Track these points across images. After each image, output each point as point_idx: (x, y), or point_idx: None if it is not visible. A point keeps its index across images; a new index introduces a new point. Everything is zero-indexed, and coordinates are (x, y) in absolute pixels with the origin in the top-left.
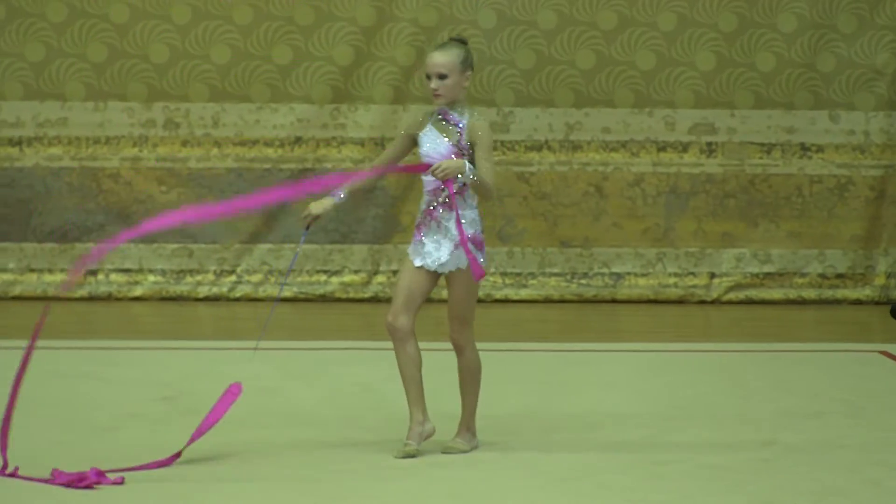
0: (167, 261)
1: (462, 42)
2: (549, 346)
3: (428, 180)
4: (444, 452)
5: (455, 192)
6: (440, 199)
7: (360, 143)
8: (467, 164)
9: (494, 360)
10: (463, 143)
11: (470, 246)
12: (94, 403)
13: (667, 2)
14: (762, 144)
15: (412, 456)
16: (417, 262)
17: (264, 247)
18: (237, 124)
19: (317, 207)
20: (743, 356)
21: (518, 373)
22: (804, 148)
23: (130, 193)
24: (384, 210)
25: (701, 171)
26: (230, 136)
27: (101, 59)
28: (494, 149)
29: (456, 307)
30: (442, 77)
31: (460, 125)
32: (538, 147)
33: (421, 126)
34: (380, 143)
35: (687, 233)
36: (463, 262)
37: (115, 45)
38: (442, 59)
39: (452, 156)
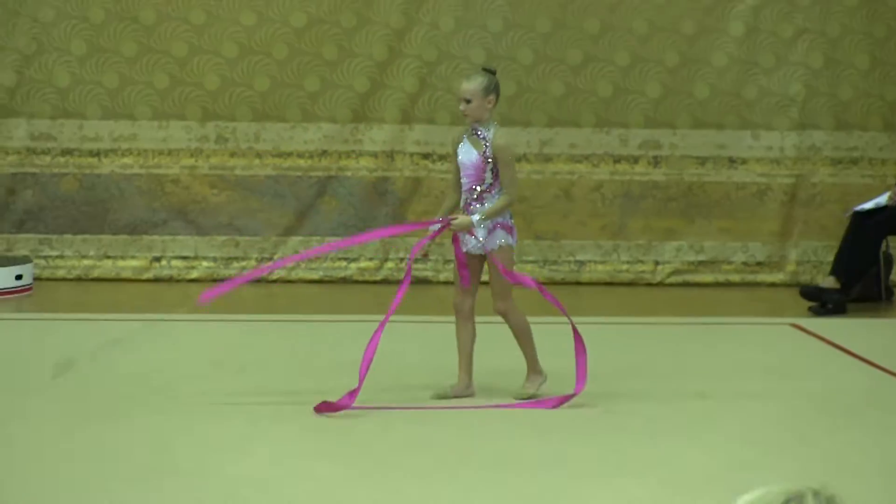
0: (218, 249)
1: (489, 72)
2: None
3: (463, 182)
4: (515, 398)
5: (484, 191)
6: (473, 196)
7: (374, 155)
8: (473, 218)
9: (485, 331)
10: (488, 153)
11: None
12: (157, 366)
13: (622, 42)
14: (698, 158)
15: (442, 398)
16: (463, 248)
17: (296, 238)
18: (275, 140)
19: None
20: (681, 328)
21: (501, 341)
22: (732, 161)
23: (188, 195)
24: (393, 209)
25: (649, 179)
26: (269, 149)
27: (165, 86)
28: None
29: (496, 283)
30: (467, 101)
31: (486, 139)
32: (518, 159)
33: (458, 141)
34: (390, 155)
35: (637, 228)
36: (496, 243)
37: (176, 75)
38: (466, 86)
39: (482, 164)
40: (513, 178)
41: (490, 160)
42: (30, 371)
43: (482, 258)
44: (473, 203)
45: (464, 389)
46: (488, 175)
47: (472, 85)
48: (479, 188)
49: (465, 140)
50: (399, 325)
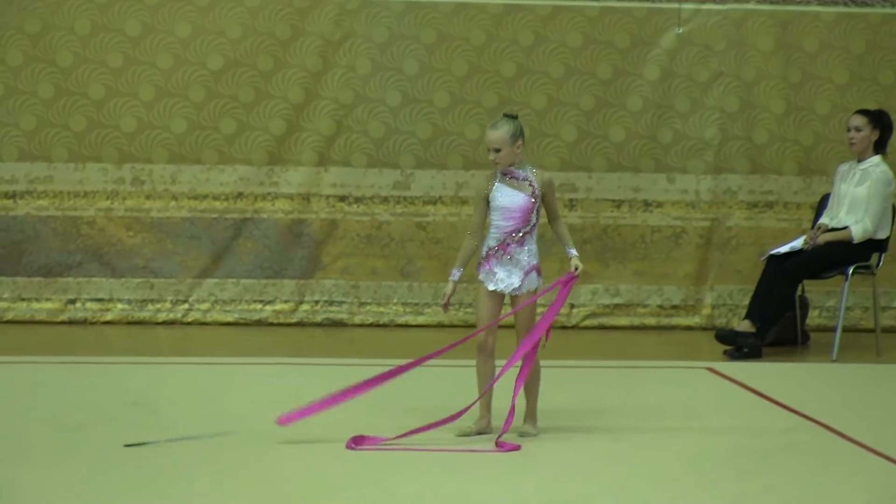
0: (133, 292)
1: (512, 117)
2: (442, 363)
3: (502, 225)
4: (519, 435)
5: (527, 232)
6: (515, 238)
7: (290, 197)
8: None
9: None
10: (537, 192)
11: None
12: (74, 408)
13: (539, 85)
14: (614, 200)
15: (466, 435)
16: (491, 287)
17: (211, 281)
18: (191, 182)
19: (447, 290)
20: (597, 371)
21: (418, 382)
22: (647, 204)
23: (103, 237)
24: (309, 251)
25: (564, 221)
26: (185, 192)
27: (82, 129)
28: (398, 202)
29: (525, 323)
30: (497, 150)
31: (529, 179)
32: (433, 201)
33: (489, 187)
34: (306, 197)
35: (552, 271)
36: (532, 286)
37: (93, 117)
38: (494, 136)
39: (529, 204)
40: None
41: (538, 199)
42: None
43: (502, 297)
44: (513, 245)
45: (485, 426)
46: (534, 216)
47: (499, 133)
48: (523, 230)
49: (501, 184)
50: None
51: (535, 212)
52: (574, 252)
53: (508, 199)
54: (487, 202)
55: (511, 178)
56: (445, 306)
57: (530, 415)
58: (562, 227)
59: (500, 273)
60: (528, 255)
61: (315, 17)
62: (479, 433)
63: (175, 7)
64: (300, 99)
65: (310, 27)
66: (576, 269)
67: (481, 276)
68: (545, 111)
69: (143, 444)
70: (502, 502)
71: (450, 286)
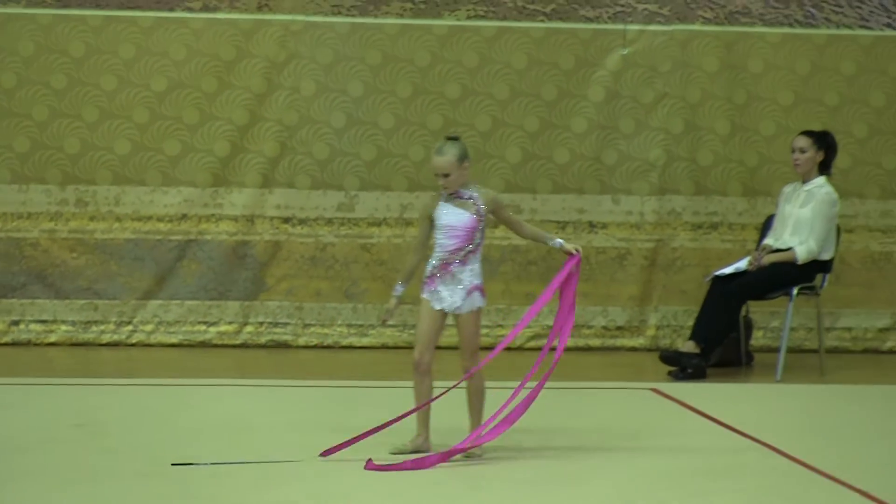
0: (77, 313)
1: (455, 139)
2: (385, 384)
3: (446, 244)
4: (464, 456)
5: (471, 251)
6: (458, 257)
7: (235, 219)
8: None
9: (344, 394)
10: (481, 211)
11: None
12: (18, 429)
13: (483, 106)
14: (558, 222)
15: (400, 452)
16: (437, 306)
17: (155, 302)
18: (135, 203)
19: (390, 305)
20: (542, 392)
21: (360, 403)
22: (592, 225)
23: (47, 259)
24: (253, 273)
25: (509, 243)
26: (129, 213)
27: (25, 150)
28: (343, 224)
29: (468, 341)
30: (446, 175)
31: (474, 198)
32: (378, 223)
33: (434, 206)
34: (250, 219)
35: (497, 292)
36: (474, 305)
37: (37, 138)
38: (441, 162)
39: (473, 223)
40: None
41: (483, 218)
42: None
43: (444, 316)
44: (456, 263)
45: (422, 443)
46: (478, 235)
47: (446, 158)
48: (466, 249)
49: (447, 204)
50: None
51: (478, 231)
52: (559, 241)
53: (453, 217)
54: (431, 221)
55: (456, 197)
56: (385, 321)
57: (425, 425)
58: (530, 228)
59: (444, 292)
60: (470, 274)
61: (259, 39)
62: (414, 451)
63: (119, 28)
64: (244, 120)
65: (254, 49)
66: (576, 250)
67: (425, 294)
68: (490, 133)
69: (190, 464)
70: None
71: (392, 301)
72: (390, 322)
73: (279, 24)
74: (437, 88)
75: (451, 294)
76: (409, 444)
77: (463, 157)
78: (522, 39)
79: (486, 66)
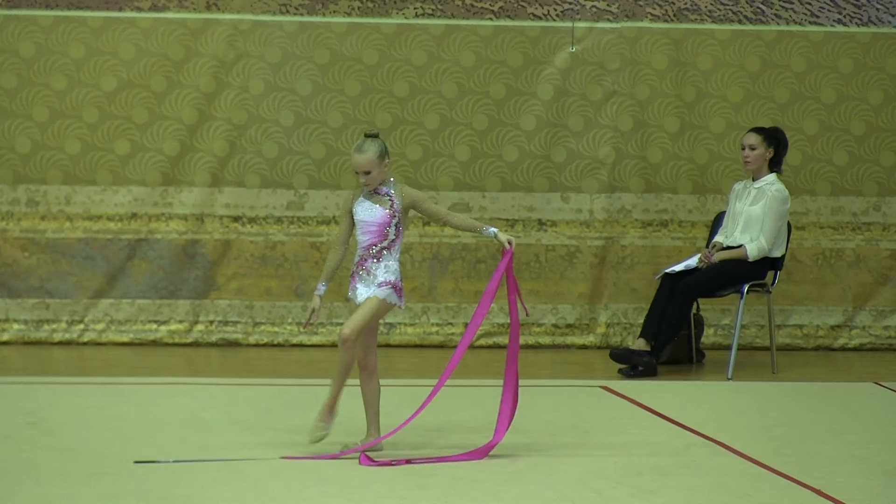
0: (29, 312)
1: (374, 136)
2: (352, 382)
3: (362, 240)
4: (311, 442)
5: (385, 248)
6: (372, 253)
7: (184, 218)
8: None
9: (293, 392)
10: (396, 207)
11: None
12: None
13: (432, 105)
14: (507, 220)
15: (351, 449)
16: (357, 302)
17: (107, 301)
18: (85, 203)
19: (313, 305)
20: (491, 390)
21: (311, 402)
22: (541, 223)
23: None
24: (203, 272)
25: (458, 241)
26: (80, 212)
27: None
28: (292, 222)
29: (358, 313)
30: (367, 172)
31: (390, 194)
32: (327, 221)
33: (353, 201)
34: (200, 217)
35: (447, 291)
36: (381, 295)
37: None
38: (362, 160)
39: (386, 219)
40: (438, 205)
41: (397, 215)
42: None
43: None
44: (371, 259)
45: (374, 440)
46: (391, 231)
47: (367, 156)
48: (380, 245)
49: (364, 199)
50: (212, 388)
51: (392, 226)
52: (493, 229)
53: (367, 213)
54: (352, 217)
55: (374, 193)
56: (307, 324)
57: (331, 407)
58: (459, 218)
59: (360, 288)
60: (384, 270)
61: (208, 38)
62: (368, 448)
63: (68, 28)
64: (194, 120)
65: (203, 48)
66: (508, 242)
67: (349, 294)
68: (438, 131)
69: (153, 462)
70: None
71: (315, 300)
72: (316, 321)
73: (228, 23)
74: (385, 87)
75: (367, 289)
76: (359, 443)
77: (383, 155)
78: (470, 37)
79: (435, 64)
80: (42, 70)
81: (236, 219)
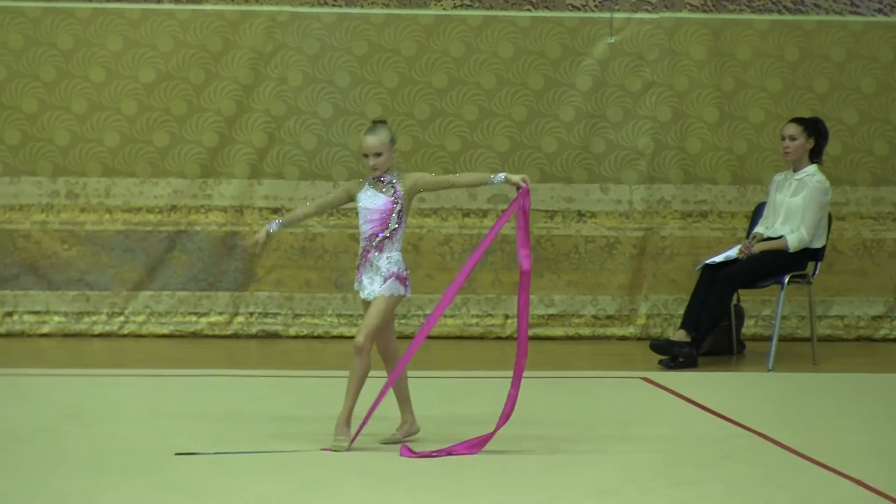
0: (69, 304)
1: (384, 122)
2: (373, 374)
3: (364, 230)
4: (325, 448)
5: (387, 237)
6: (374, 244)
7: (224, 210)
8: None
9: (333, 384)
10: (399, 193)
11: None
12: (10, 419)
13: (470, 96)
14: (546, 211)
15: (391, 442)
16: (361, 295)
17: (146, 293)
18: (125, 195)
19: (259, 236)
20: (532, 381)
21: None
22: (580, 214)
23: (39, 250)
24: (243, 264)
25: (499, 233)
26: (119, 205)
27: (16, 143)
28: (331, 214)
29: (367, 319)
30: (378, 155)
31: (393, 182)
32: None
33: (360, 188)
34: (239, 209)
35: (487, 282)
36: (387, 292)
37: (27, 130)
38: (375, 141)
39: (388, 206)
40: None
41: (399, 202)
42: None
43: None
44: (373, 251)
45: (409, 428)
46: (393, 220)
47: (380, 138)
48: (382, 234)
49: (369, 187)
50: (251, 380)
51: (395, 215)
52: (501, 175)
53: (369, 200)
54: (347, 197)
55: (377, 181)
56: (249, 247)
57: (345, 419)
58: (463, 176)
59: (365, 280)
60: (387, 262)
61: (246, 30)
62: (407, 436)
63: (107, 21)
64: (232, 111)
65: (241, 40)
66: (523, 180)
67: (355, 286)
68: (477, 122)
69: (193, 454)
70: None
71: (262, 233)
72: (257, 250)
73: (266, 14)
74: (423, 78)
75: (371, 282)
76: (399, 433)
77: (393, 140)
78: (509, 28)
79: (473, 55)
80: (80, 62)
81: (275, 210)
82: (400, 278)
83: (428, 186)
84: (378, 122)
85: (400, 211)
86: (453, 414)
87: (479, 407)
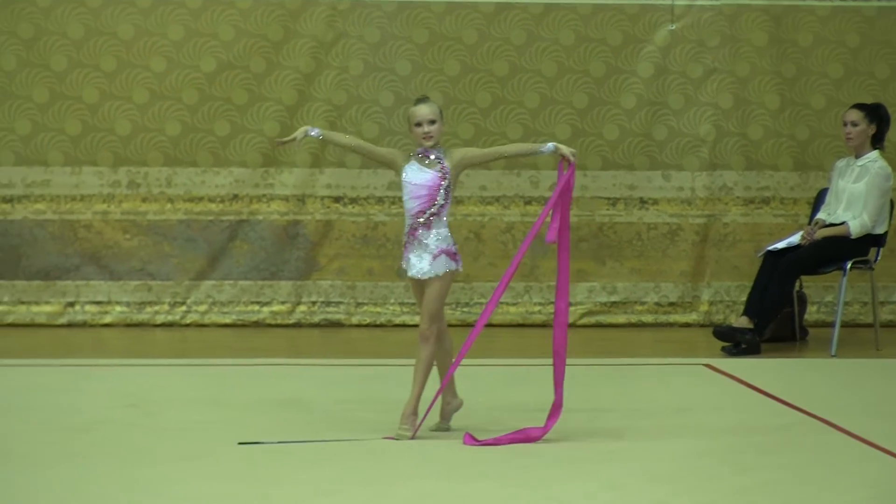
0: (131, 294)
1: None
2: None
3: (411, 206)
4: (388, 437)
5: (434, 214)
6: (421, 221)
7: (285, 199)
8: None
9: (396, 372)
10: (446, 168)
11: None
12: (74, 410)
13: (532, 84)
14: (609, 199)
15: (442, 429)
16: (408, 273)
17: (209, 282)
18: (186, 184)
19: (297, 134)
20: (594, 369)
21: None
22: (642, 201)
23: (101, 241)
24: (305, 252)
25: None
26: (181, 194)
27: (77, 133)
28: (393, 202)
29: (426, 305)
30: (432, 122)
31: (440, 157)
32: None
33: (406, 161)
34: (301, 198)
35: (549, 270)
36: (440, 270)
37: (88, 121)
38: (430, 109)
39: (436, 182)
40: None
41: (447, 177)
42: None
43: (422, 282)
44: (421, 228)
45: (453, 405)
46: (441, 195)
47: (434, 108)
48: (429, 211)
49: (414, 162)
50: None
51: (442, 190)
52: (550, 145)
53: (416, 175)
54: (390, 162)
55: (424, 156)
56: (280, 142)
57: (412, 408)
58: (511, 146)
59: (412, 258)
60: (436, 238)
61: (307, 19)
62: (454, 412)
63: (167, 10)
64: (293, 100)
65: (302, 28)
66: (572, 154)
67: (402, 264)
68: (538, 110)
69: (257, 443)
70: (501, 501)
71: (299, 131)
72: (286, 145)
73: (326, 3)
74: (484, 66)
75: (420, 261)
76: (445, 413)
77: (442, 112)
78: (569, 16)
79: (534, 43)
80: (141, 52)
81: (337, 199)
82: (449, 254)
83: (476, 159)
84: (425, 97)
85: (448, 186)
86: (515, 402)
87: (541, 395)
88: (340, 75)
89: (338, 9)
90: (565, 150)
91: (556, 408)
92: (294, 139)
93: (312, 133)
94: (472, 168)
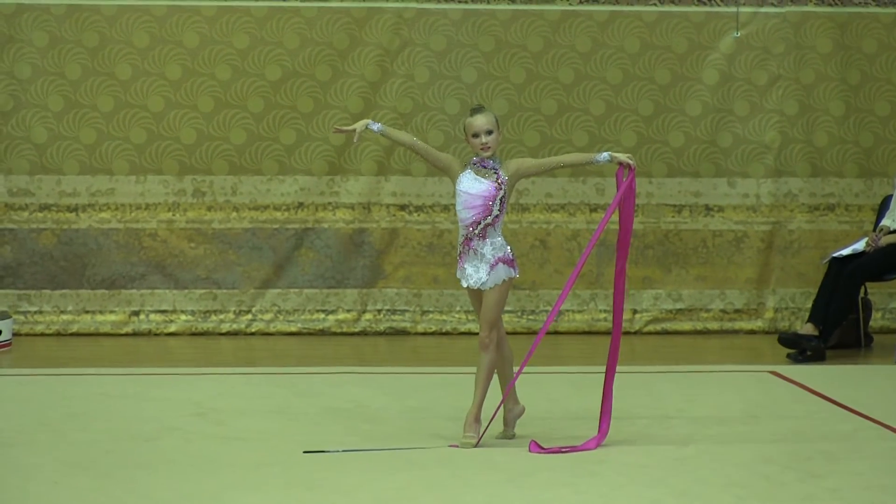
0: (196, 303)
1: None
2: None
3: (465, 216)
4: (453, 445)
5: (489, 224)
6: (476, 231)
7: (351, 207)
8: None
9: (462, 380)
10: (502, 179)
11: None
12: (139, 418)
13: (596, 91)
14: (674, 206)
15: (508, 437)
16: (464, 284)
17: (274, 291)
18: (252, 193)
19: (358, 125)
20: (661, 376)
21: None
22: (708, 208)
23: (166, 249)
24: (370, 260)
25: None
26: (246, 203)
27: (142, 141)
28: None
29: (485, 314)
30: (489, 132)
31: (496, 167)
32: None
33: (461, 169)
34: (367, 206)
35: (613, 276)
36: (499, 279)
37: (153, 129)
38: (487, 119)
39: (492, 192)
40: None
41: (503, 188)
42: (9, 426)
43: (479, 292)
44: (476, 238)
45: (519, 412)
46: (496, 206)
47: (491, 118)
48: (484, 222)
49: (469, 172)
50: (380, 377)
51: (497, 201)
52: (605, 154)
53: (471, 185)
54: (445, 167)
55: (480, 166)
56: (339, 129)
57: (475, 415)
58: (567, 157)
59: (469, 269)
60: (492, 248)
61: (372, 27)
62: (517, 418)
63: (232, 19)
64: (359, 108)
65: (367, 36)
66: (629, 159)
67: (458, 274)
68: (604, 117)
69: (322, 451)
70: None
71: (360, 124)
72: (346, 133)
73: (392, 11)
74: (550, 74)
75: (476, 270)
76: (508, 420)
77: (499, 122)
78: (635, 24)
79: (599, 50)
80: (206, 60)
81: (403, 207)
82: (507, 261)
83: (531, 170)
84: (480, 106)
85: (503, 197)
86: (582, 409)
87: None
88: (406, 83)
89: (403, 17)
90: (621, 156)
91: (605, 414)
92: (354, 130)
93: (373, 127)
94: (529, 177)
